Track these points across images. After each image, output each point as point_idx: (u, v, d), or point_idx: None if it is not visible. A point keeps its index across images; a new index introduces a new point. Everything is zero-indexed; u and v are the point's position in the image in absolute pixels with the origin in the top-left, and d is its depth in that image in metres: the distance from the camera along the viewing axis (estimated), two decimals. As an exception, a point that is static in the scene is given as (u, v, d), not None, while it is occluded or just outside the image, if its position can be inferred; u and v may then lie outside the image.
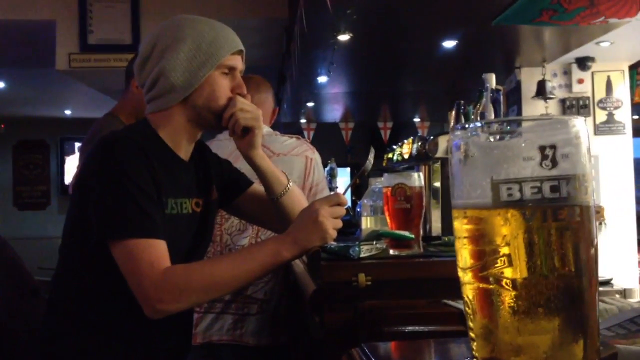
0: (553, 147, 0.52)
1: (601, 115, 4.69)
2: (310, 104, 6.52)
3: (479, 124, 0.55)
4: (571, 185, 0.52)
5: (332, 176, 5.67)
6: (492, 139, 0.54)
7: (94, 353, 1.51)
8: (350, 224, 2.52)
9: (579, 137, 0.54)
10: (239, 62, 1.60)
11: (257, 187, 1.84)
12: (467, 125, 0.55)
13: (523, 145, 0.53)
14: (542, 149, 0.52)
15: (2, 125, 10.13)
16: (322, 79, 5.02)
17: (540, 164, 0.52)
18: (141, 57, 1.58)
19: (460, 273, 0.58)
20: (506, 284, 0.53)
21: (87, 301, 1.52)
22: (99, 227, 1.42)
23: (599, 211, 4.33)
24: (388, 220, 1.76)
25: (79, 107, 9.01)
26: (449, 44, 3.99)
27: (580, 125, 0.55)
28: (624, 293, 1.43)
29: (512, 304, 0.53)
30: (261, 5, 4.83)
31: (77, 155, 10.02)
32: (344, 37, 3.53)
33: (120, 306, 1.49)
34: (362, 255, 1.61)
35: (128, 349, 1.53)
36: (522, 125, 0.55)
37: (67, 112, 9.67)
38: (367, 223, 1.98)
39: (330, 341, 1.49)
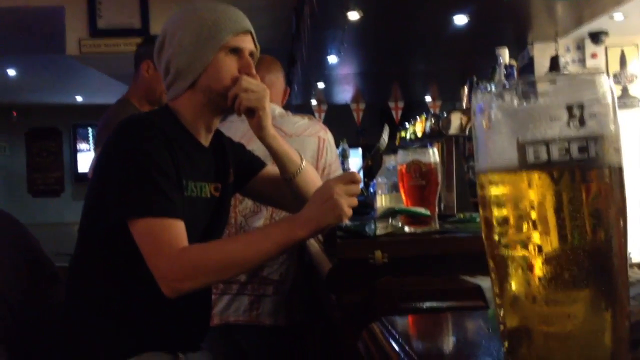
0: (581, 106, 0.50)
1: (615, 90, 4.63)
2: (320, 85, 6.49)
3: (503, 84, 0.53)
4: (599, 145, 0.51)
5: (344, 157, 5.66)
6: (516, 100, 0.52)
7: (113, 335, 1.52)
8: (365, 205, 2.50)
9: (607, 97, 0.53)
10: (245, 43, 1.59)
11: (271, 168, 1.84)
12: (490, 88, 0.54)
13: (549, 105, 0.51)
14: (569, 108, 0.50)
15: (15, 113, 10.20)
16: (332, 60, 4.99)
17: (568, 124, 0.50)
18: (156, 49, 1.63)
19: (485, 240, 0.56)
20: (533, 249, 0.52)
21: (106, 284, 1.53)
22: (118, 205, 1.43)
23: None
24: (403, 198, 1.74)
25: (90, 93, 9.05)
26: (461, 20, 3.95)
27: (607, 83, 0.53)
28: (643, 267, 1.41)
29: (539, 271, 0.51)
30: (270, -14, 4.80)
31: (92, 143, 10.09)
32: (354, 16, 3.49)
33: (139, 288, 1.49)
34: (378, 232, 1.60)
35: (147, 331, 1.54)
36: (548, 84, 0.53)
37: (79, 98, 9.71)
38: (382, 201, 1.96)
39: (347, 319, 1.48)
